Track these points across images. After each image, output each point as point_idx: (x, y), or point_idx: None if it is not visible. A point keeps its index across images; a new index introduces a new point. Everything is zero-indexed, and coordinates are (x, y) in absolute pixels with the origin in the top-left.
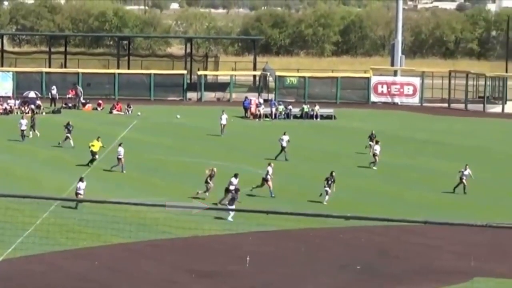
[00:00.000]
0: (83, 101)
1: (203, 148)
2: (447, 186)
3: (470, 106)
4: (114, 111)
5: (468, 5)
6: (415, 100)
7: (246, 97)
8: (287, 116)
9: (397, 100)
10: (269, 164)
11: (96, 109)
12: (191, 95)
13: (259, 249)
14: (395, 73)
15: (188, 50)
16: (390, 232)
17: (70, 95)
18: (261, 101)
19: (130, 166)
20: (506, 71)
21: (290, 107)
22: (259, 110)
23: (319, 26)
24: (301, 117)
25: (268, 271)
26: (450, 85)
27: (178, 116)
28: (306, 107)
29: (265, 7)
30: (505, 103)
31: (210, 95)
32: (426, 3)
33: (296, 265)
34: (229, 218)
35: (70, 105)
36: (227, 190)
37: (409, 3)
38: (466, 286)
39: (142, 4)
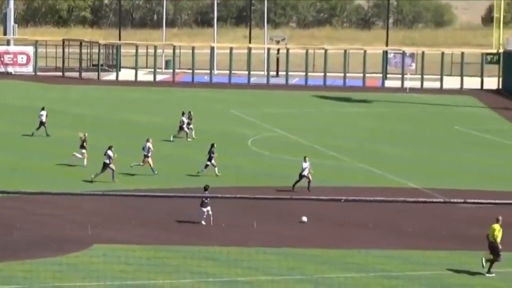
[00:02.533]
0: None
1: None
2: (64, 154)
3: (85, 74)
4: None
5: None
6: (29, 69)
7: None
8: None
9: (10, 69)
10: (148, 140)
11: None
12: None
13: None
14: (8, 43)
15: None
16: (8, 203)
17: None
18: None
19: None
20: (120, 39)
21: None
22: None
23: None
24: None
25: None
26: (64, 54)
27: None
28: None
29: None
30: (119, 71)
31: None
32: None
33: None
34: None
35: None
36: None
37: None
38: (85, 253)
39: None
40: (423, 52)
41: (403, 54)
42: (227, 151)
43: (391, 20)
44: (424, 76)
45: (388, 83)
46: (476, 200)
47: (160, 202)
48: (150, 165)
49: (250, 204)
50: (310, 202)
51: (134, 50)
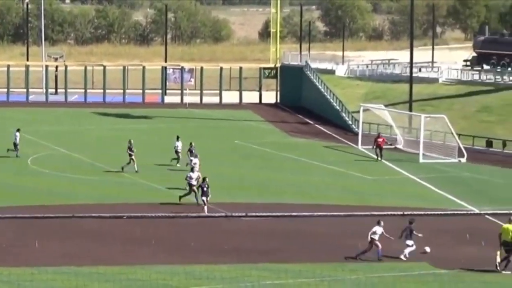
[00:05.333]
0: None
1: None
2: None
3: None
4: None
5: None
6: None
7: None
8: None
9: None
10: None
11: None
12: None
13: None
14: None
15: None
16: None
17: None
18: None
19: None
20: None
21: None
22: None
23: None
24: None
25: None
26: None
27: None
28: None
29: None
30: None
31: None
32: None
33: None
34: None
35: None
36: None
37: None
38: None
39: None
40: (201, 68)
41: (182, 69)
42: (7, 170)
43: (169, 36)
44: (203, 91)
45: (167, 99)
46: (257, 214)
47: None
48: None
49: (31, 223)
50: (93, 220)
51: None
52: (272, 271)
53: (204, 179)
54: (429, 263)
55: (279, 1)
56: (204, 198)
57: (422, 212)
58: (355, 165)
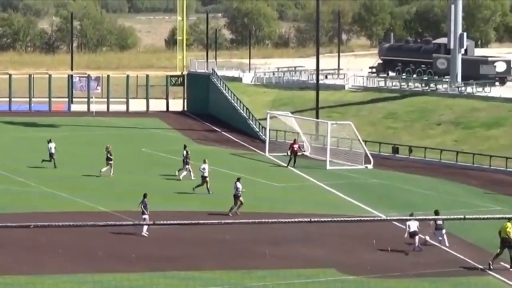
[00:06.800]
0: None
1: None
2: None
3: None
4: None
5: None
6: None
7: None
8: None
9: None
10: (238, 180)
11: None
12: None
13: None
14: None
15: None
16: None
17: None
18: None
19: None
20: None
21: None
22: None
23: None
24: None
25: None
26: None
27: None
28: None
29: None
30: None
31: None
32: None
33: None
34: None
35: None
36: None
37: None
38: None
39: None
40: (108, 76)
41: (88, 77)
42: None
43: (75, 44)
44: (110, 99)
45: (74, 107)
46: (165, 222)
47: None
48: (240, 203)
49: None
50: None
51: None
52: (180, 278)
53: (145, 195)
54: (337, 270)
55: (185, 9)
56: (145, 216)
57: (329, 219)
58: (262, 172)
